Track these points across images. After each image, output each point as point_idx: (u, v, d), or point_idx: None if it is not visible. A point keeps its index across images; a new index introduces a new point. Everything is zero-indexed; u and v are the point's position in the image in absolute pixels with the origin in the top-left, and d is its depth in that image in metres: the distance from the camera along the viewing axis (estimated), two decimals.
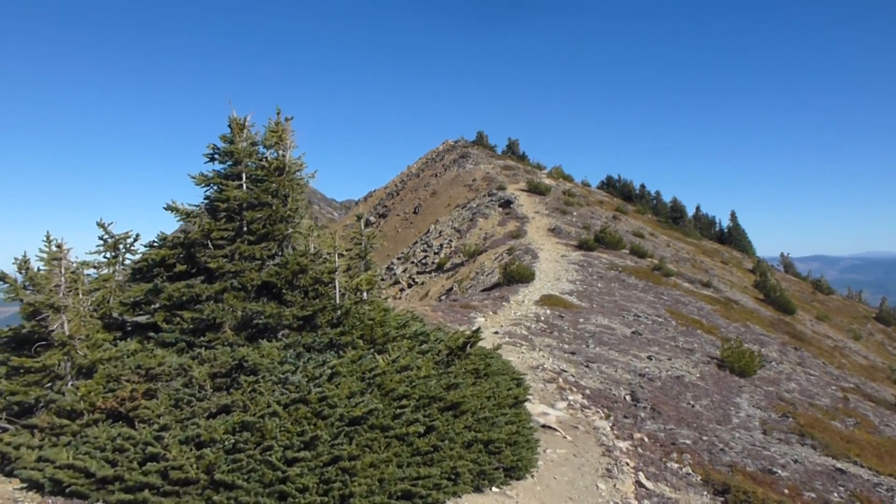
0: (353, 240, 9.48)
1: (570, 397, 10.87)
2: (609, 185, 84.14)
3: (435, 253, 46.85)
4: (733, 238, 79.88)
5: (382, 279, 49.36)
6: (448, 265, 42.65)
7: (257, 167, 8.38)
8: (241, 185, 8.17)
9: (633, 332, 19.37)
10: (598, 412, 10.72)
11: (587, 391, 11.91)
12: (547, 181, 62.40)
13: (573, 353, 15.03)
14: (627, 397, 12.28)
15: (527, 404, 9.50)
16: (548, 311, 20.46)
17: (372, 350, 7.62)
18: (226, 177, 8.31)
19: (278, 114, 8.64)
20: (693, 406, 13.27)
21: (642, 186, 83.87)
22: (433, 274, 43.53)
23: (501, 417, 7.50)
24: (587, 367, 14.04)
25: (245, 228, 8.08)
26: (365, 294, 8.92)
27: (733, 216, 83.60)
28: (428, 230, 54.62)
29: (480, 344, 14.24)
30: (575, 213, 50.80)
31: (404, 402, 6.47)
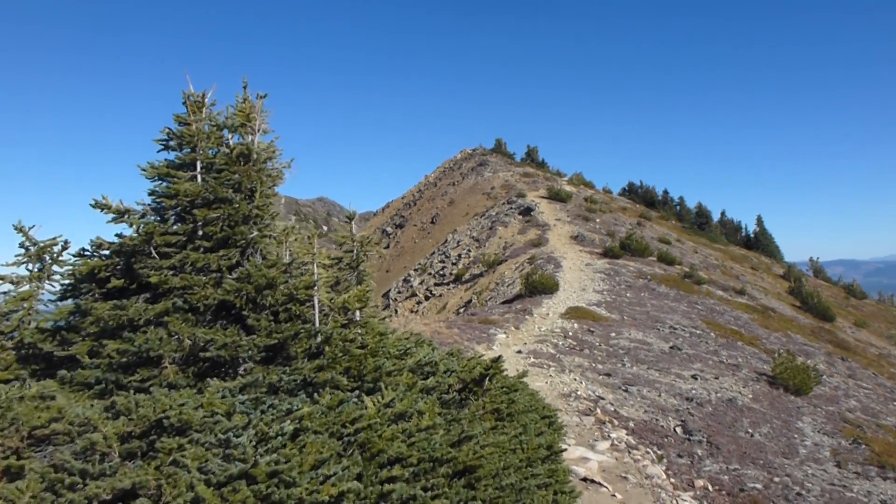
0: (343, 246, 7.71)
1: (613, 434, 9.00)
2: (631, 191, 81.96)
3: (453, 263, 45.06)
4: (760, 243, 77.37)
5: (398, 291, 47.68)
6: (467, 276, 40.84)
7: (216, 154, 6.66)
8: (196, 176, 6.45)
9: (671, 347, 17.42)
10: (647, 452, 8.85)
11: (631, 423, 10.02)
12: (567, 188, 60.45)
13: (608, 375, 13.13)
14: (678, 429, 10.38)
15: (562, 446, 7.66)
16: (576, 325, 18.57)
17: (359, 391, 5.84)
18: (178, 167, 6.59)
19: (245, 87, 6.92)
20: (752, 435, 11.33)
21: (665, 192, 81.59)
22: (451, 285, 41.72)
23: (532, 479, 5.68)
24: (626, 391, 12.15)
25: (200, 232, 6.34)
26: (357, 314, 7.16)
27: (760, 221, 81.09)
28: (446, 240, 52.87)
29: (503, 368, 12.43)
30: (598, 220, 48.81)
31: (397, 469, 4.67)
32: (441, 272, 45.03)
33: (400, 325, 15.69)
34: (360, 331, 6.80)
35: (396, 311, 44.67)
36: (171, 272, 6.13)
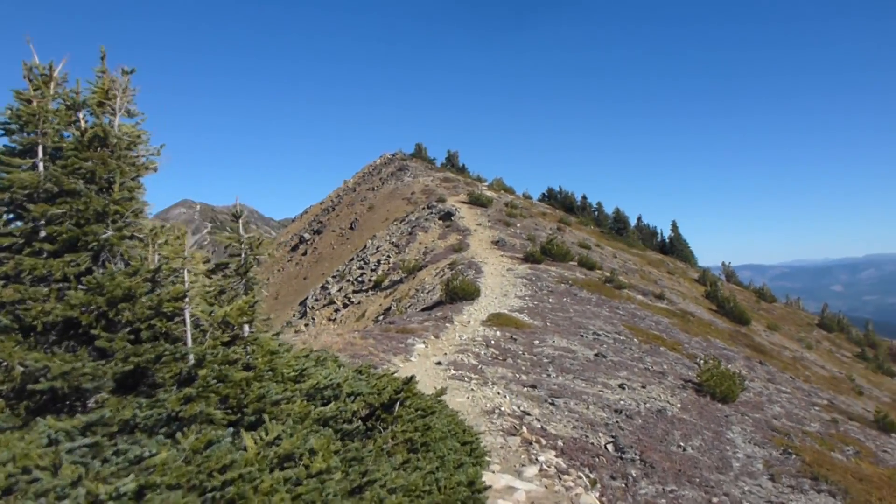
0: (229, 249, 6.55)
1: (542, 457, 8.11)
2: (550, 197, 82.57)
3: (372, 270, 43.85)
4: (675, 248, 79.19)
5: (316, 299, 46.09)
6: (386, 282, 39.69)
7: (67, 139, 5.46)
8: (37, 164, 5.23)
9: (596, 355, 16.82)
10: (579, 476, 8.00)
11: (560, 442, 9.18)
12: (488, 193, 60.08)
13: (534, 387, 12.30)
14: (610, 446, 9.61)
15: (486, 475, 6.72)
16: (498, 333, 17.76)
17: (238, 426, 4.74)
18: (16, 153, 5.35)
19: (103, 58, 5.71)
20: (685, 449, 10.71)
21: (584, 198, 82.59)
22: (370, 292, 40.50)
23: None
24: (553, 404, 11.34)
25: (42, 233, 5.12)
26: (247, 328, 6.05)
27: (675, 226, 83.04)
28: (365, 246, 51.58)
29: (420, 383, 11.43)
30: (518, 225, 48.53)
31: None
32: (360, 279, 43.74)
33: (311, 336, 14.51)
34: (245, 350, 5.71)
35: (314, 320, 43.11)
36: (2, 283, 4.91)
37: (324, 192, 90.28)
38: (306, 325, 43.45)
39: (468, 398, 10.73)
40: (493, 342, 16.37)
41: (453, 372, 12.59)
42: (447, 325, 19.03)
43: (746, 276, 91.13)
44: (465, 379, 12.10)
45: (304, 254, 64.21)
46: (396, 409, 5.76)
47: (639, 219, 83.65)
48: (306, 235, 69.10)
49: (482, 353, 15.02)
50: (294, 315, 48.52)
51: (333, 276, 48.81)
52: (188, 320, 5.13)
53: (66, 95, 5.59)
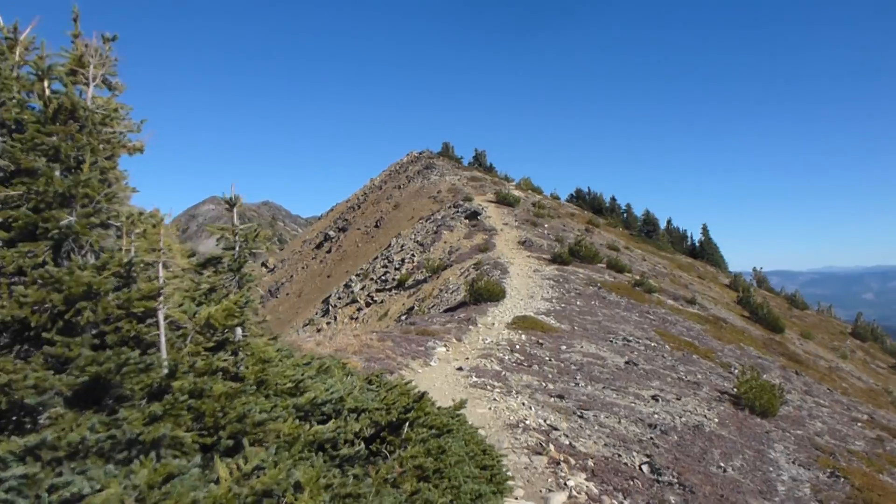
0: (221, 241, 5.81)
1: (571, 481, 7.28)
2: (579, 197, 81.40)
3: (396, 269, 43.17)
4: (705, 252, 77.56)
5: (339, 297, 45.57)
6: (410, 282, 38.97)
7: (30, 111, 4.77)
8: None
9: (626, 363, 15.91)
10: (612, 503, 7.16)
11: (590, 462, 8.34)
12: (515, 193, 59.10)
13: (561, 397, 11.46)
14: (645, 467, 8.75)
15: None
16: (523, 337, 16.93)
17: (212, 451, 4.01)
18: None
19: (76, 20, 5.01)
20: (726, 470, 9.80)
21: (612, 199, 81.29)
22: (393, 291, 39.80)
23: None
24: (582, 417, 10.49)
25: None
26: (240, 332, 5.34)
27: (705, 230, 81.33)
28: (389, 244, 50.94)
29: (439, 391, 10.64)
30: (546, 226, 47.54)
31: None
32: (383, 277, 43.09)
33: (327, 337, 13.81)
34: (233, 357, 4.97)
35: (336, 318, 42.56)
36: None
37: (351, 190, 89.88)
38: (328, 323, 42.89)
39: (490, 409, 9.92)
40: (518, 347, 15.54)
41: (475, 379, 11.78)
42: (470, 327, 18.24)
43: (776, 282, 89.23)
44: (488, 387, 11.29)
45: (329, 251, 63.79)
46: (405, 431, 4.99)
47: (668, 222, 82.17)
48: (331, 233, 68.70)
49: (506, 358, 14.21)
50: (317, 313, 48.02)
51: (357, 275, 48.25)
52: (162, 323, 4.41)
53: (34, 63, 4.91)
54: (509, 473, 6.59)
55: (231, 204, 5.98)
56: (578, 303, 24.81)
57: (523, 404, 10.50)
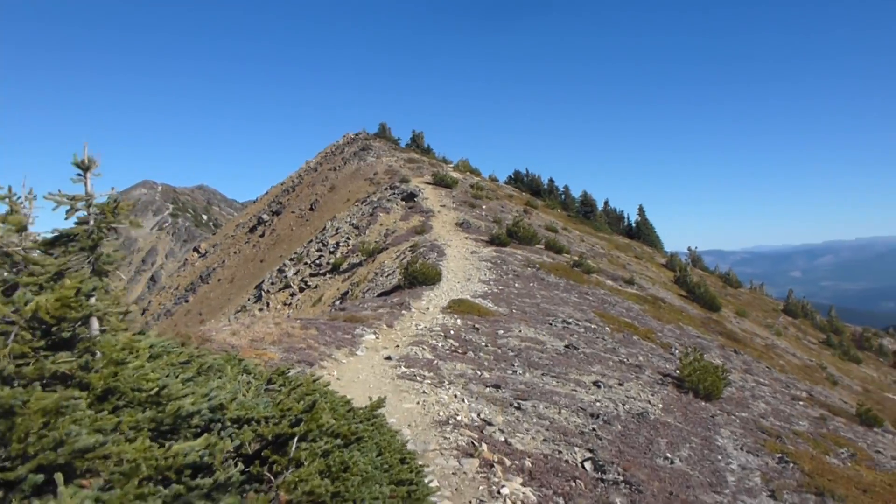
0: (71, 213, 4.66)
1: (506, 488, 6.35)
2: (517, 179, 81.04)
3: (330, 252, 41.82)
4: (642, 233, 78.38)
5: (272, 283, 43.95)
6: (345, 266, 37.75)
7: None
8: None
9: (566, 346, 15.19)
10: None
11: (528, 462, 7.45)
12: (454, 174, 58.19)
13: (497, 387, 10.57)
14: (587, 464, 7.92)
15: None
16: (459, 322, 16.03)
17: (14, 493, 2.94)
18: None
19: None
20: (673, 462, 9.09)
21: (551, 181, 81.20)
22: (328, 276, 38.53)
23: None
24: (520, 409, 9.62)
25: None
26: (95, 327, 4.24)
27: (641, 210, 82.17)
28: (324, 228, 49.46)
29: (363, 384, 9.65)
30: (484, 207, 46.79)
31: None
32: (317, 262, 41.71)
33: (244, 325, 12.61)
34: (79, 360, 3.86)
35: (268, 305, 41.03)
36: None
37: (288, 173, 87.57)
38: (260, 309, 41.34)
39: (418, 404, 8.95)
40: (452, 332, 14.63)
41: (404, 369, 10.80)
42: (403, 312, 17.26)
43: (709, 262, 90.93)
44: (418, 378, 10.32)
45: (262, 235, 61.85)
46: (292, 448, 3.97)
47: (605, 203, 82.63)
48: (265, 217, 66.64)
49: (440, 345, 13.27)
50: (249, 299, 46.33)
51: (291, 259, 46.68)
52: None
53: None
54: (434, 484, 5.65)
55: (83, 168, 4.82)
56: (517, 285, 24.09)
57: (455, 396, 9.57)
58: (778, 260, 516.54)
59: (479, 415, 8.83)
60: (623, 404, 11.19)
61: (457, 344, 13.53)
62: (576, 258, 33.59)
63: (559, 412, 9.86)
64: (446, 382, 10.39)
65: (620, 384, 12.64)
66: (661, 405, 11.92)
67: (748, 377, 19.92)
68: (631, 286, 33.20)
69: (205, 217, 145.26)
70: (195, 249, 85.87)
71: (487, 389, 10.35)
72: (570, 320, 19.18)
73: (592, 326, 19.23)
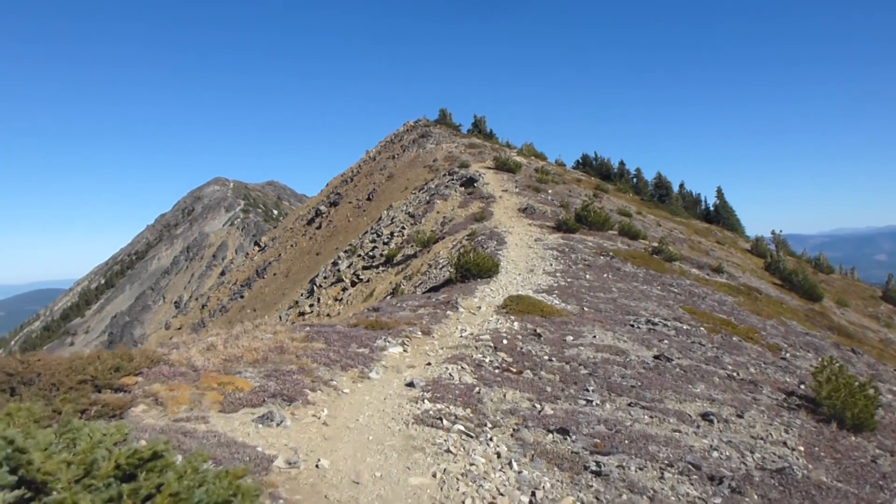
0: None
1: None
2: (585, 163, 76.61)
3: (384, 243, 38.91)
4: (721, 217, 72.86)
5: (325, 277, 41.37)
6: (399, 257, 34.76)
7: None
8: None
9: (656, 357, 11.61)
10: None
11: None
12: (517, 158, 54.41)
13: (565, 433, 7.14)
14: None
15: None
16: (515, 326, 12.66)
17: None
18: None
19: None
20: None
21: (621, 164, 76.44)
22: (381, 268, 35.62)
23: None
24: (599, 474, 6.20)
25: None
26: None
27: (720, 193, 76.60)
28: (380, 217, 46.61)
29: (359, 432, 6.42)
30: (550, 192, 43.01)
31: None
32: (371, 253, 38.85)
33: (231, 336, 9.54)
34: None
35: (319, 300, 38.44)
36: None
37: (350, 164, 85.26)
38: (311, 305, 38.81)
39: (435, 476, 5.59)
40: (506, 341, 11.25)
41: (428, 405, 7.48)
42: (448, 313, 13.98)
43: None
44: (445, 420, 6.98)
45: (319, 227, 59.53)
46: None
47: (681, 186, 77.40)
48: (322, 208, 64.36)
49: (487, 360, 9.92)
50: (302, 294, 43.95)
51: (345, 252, 44.02)
52: None
53: None
54: None
55: None
56: (588, 276, 20.49)
57: (498, 456, 6.20)
58: (861, 243, 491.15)
59: (534, 494, 5.47)
60: (751, 452, 7.62)
61: (510, 359, 10.15)
62: (655, 244, 29.67)
63: (661, 476, 6.39)
64: (488, 426, 7.05)
65: (739, 415, 9.03)
66: (801, 448, 8.29)
67: (881, 386, 15.90)
68: (719, 275, 29.07)
69: (275, 212, 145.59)
70: (256, 243, 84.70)
71: (550, 437, 6.95)
72: (656, 319, 15.55)
73: (684, 327, 15.54)
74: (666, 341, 13.25)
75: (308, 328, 10.97)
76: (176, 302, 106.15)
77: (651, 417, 8.26)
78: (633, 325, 14.44)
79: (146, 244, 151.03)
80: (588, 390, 9.04)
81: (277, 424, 6.40)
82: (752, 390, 11.02)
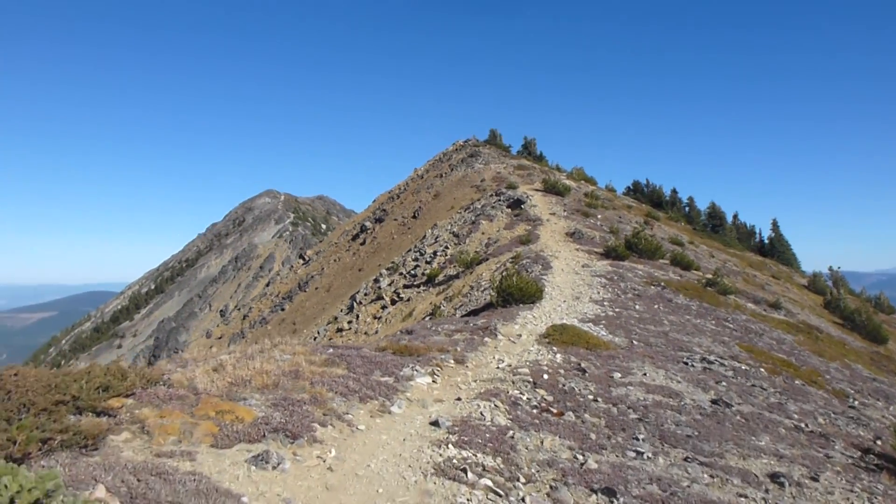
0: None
1: None
2: (636, 190, 74.81)
3: (427, 262, 38.07)
4: (776, 250, 70.15)
5: (365, 294, 40.70)
6: (441, 277, 33.85)
7: None
8: None
9: (714, 403, 10.42)
10: None
11: None
12: (566, 182, 53.14)
13: (611, 494, 6.05)
14: None
15: None
16: (558, 358, 11.60)
17: None
18: None
19: None
20: None
21: (673, 191, 74.43)
22: (422, 288, 34.73)
23: None
24: None
25: None
26: None
27: (775, 225, 73.89)
28: (424, 236, 45.85)
29: (366, 484, 5.50)
30: (599, 217, 41.69)
31: None
32: (413, 272, 38.03)
33: (244, 356, 8.72)
34: None
35: (358, 317, 37.72)
36: None
37: (397, 181, 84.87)
38: (349, 322, 38.12)
39: None
40: (546, 376, 10.21)
41: (452, 451, 6.50)
42: (486, 340, 12.98)
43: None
44: (471, 472, 5.99)
45: (363, 243, 59.04)
46: None
47: (735, 216, 74.99)
48: (367, 224, 63.93)
49: (524, 398, 8.90)
50: (342, 310, 43.31)
51: (387, 269, 43.29)
52: None
53: None
54: None
55: None
56: (637, 307, 19.27)
57: None
58: None
59: None
60: None
61: (550, 397, 9.10)
62: (709, 276, 28.18)
63: None
64: (521, 480, 6.04)
65: (813, 477, 7.82)
66: None
67: None
68: (777, 311, 27.42)
69: (323, 226, 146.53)
70: (301, 256, 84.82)
71: (593, 499, 5.90)
72: (711, 357, 14.30)
73: (741, 367, 14.25)
74: (723, 383, 12.01)
75: (331, 350, 10.09)
76: (221, 311, 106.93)
77: (711, 477, 7.13)
78: (686, 363, 13.23)
79: (196, 252, 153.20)
80: (638, 439, 7.95)
81: (274, 467, 5.50)
82: (824, 445, 9.76)
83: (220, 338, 77.14)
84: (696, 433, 8.59)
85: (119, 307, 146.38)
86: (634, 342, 14.52)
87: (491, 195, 47.40)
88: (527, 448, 6.99)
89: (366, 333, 34.47)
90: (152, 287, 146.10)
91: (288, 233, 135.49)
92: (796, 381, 14.82)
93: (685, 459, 7.52)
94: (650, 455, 7.42)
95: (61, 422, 5.63)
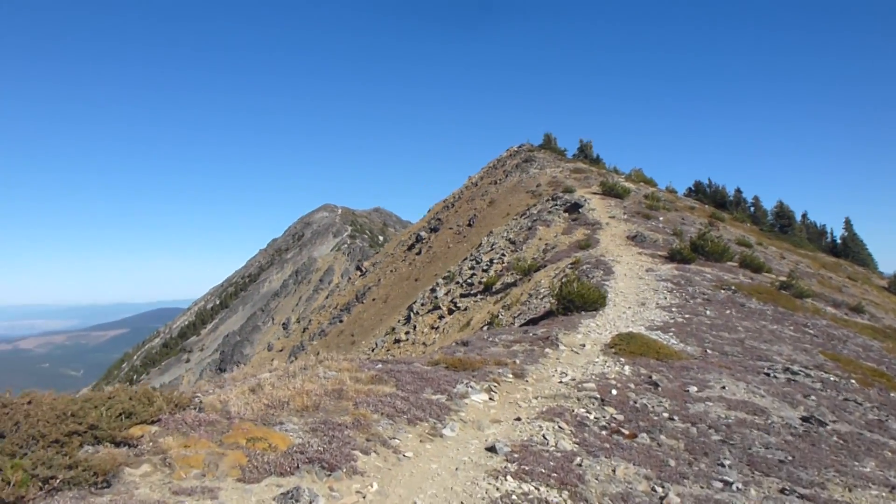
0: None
1: None
2: (698, 190, 72.52)
3: (483, 270, 37.25)
4: (850, 250, 66.87)
5: (422, 304, 40.10)
6: (498, 285, 32.96)
7: None
8: None
9: (805, 421, 9.30)
10: None
11: None
12: (625, 184, 51.62)
13: None
14: None
15: None
16: (626, 370, 10.63)
17: None
18: None
19: None
20: None
21: (737, 191, 71.89)
22: (479, 297, 33.89)
23: None
24: None
25: None
26: None
27: (848, 224, 70.47)
28: (479, 244, 45.05)
29: None
30: (661, 219, 40.18)
31: None
32: (469, 281, 37.25)
33: (286, 374, 8.06)
34: None
35: (415, 328, 37.12)
36: None
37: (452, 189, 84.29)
38: (406, 333, 37.54)
39: None
40: (615, 391, 9.27)
41: (511, 484, 5.67)
42: (547, 351, 12.09)
43: None
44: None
45: (419, 253, 58.58)
46: None
47: (804, 216, 71.98)
48: (423, 234, 63.48)
49: (591, 416, 8.00)
50: (399, 321, 42.81)
51: (444, 278, 42.62)
52: None
53: None
54: None
55: None
56: (708, 312, 18.05)
57: None
58: None
59: None
60: None
61: (620, 416, 8.17)
62: (782, 278, 26.59)
63: None
64: None
65: None
66: None
67: None
68: (860, 315, 25.66)
69: (381, 238, 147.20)
70: (358, 268, 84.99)
71: None
72: (795, 367, 13.07)
73: (830, 378, 12.98)
74: (812, 397, 10.84)
75: (379, 365, 9.36)
76: (284, 324, 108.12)
77: None
78: (768, 374, 12.07)
79: (258, 267, 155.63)
80: (724, 465, 6.97)
81: None
82: None
83: (281, 350, 77.74)
84: (790, 458, 7.54)
85: (186, 323, 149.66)
86: (708, 351, 13.40)
87: (547, 200, 46.34)
88: (597, 478, 6.11)
89: (423, 344, 33.84)
90: (217, 302, 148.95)
91: (346, 245, 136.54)
92: (892, 394, 13.45)
93: (781, 491, 6.51)
94: (740, 486, 6.43)
95: (72, 455, 5.02)
